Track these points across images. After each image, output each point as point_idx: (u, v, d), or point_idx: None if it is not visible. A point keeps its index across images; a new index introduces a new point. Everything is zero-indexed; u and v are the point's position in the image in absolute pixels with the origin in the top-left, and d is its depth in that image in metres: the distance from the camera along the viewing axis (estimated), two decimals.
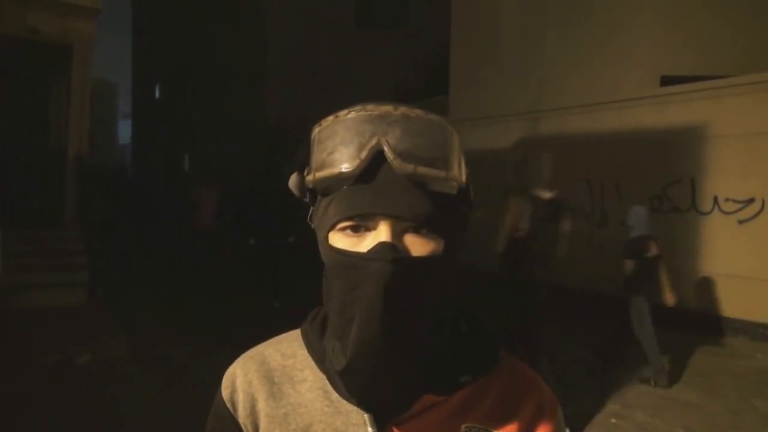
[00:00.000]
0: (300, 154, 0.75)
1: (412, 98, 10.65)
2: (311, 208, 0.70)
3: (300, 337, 0.75)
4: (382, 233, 0.61)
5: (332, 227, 0.64)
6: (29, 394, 4.07)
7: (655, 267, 4.62)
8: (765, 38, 7.12)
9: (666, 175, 6.88)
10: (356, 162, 0.60)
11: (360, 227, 0.63)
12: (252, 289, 7.60)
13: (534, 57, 8.72)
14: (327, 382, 0.68)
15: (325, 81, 14.05)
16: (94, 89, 8.58)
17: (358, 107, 0.64)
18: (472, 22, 10.20)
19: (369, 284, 0.59)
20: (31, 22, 7.28)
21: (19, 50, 7.72)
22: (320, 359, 0.70)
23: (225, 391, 0.72)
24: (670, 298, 4.60)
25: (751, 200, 6.11)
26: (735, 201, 6.25)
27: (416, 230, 0.62)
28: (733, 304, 6.23)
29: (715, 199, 6.43)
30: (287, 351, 0.74)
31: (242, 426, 0.70)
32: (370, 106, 0.63)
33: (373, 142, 0.61)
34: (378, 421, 0.65)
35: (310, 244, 0.75)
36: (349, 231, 0.63)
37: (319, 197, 0.67)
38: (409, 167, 0.60)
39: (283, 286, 7.22)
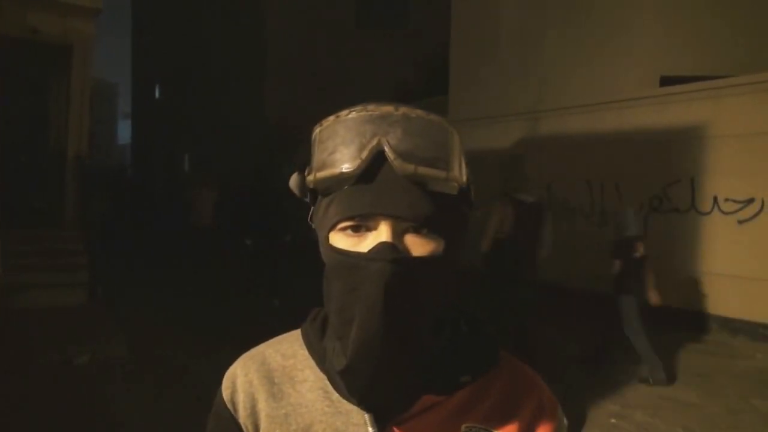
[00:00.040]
0: (300, 154, 0.75)
1: (412, 98, 10.64)
2: (312, 208, 0.70)
3: (300, 337, 0.75)
4: (382, 233, 0.61)
5: (333, 227, 0.64)
6: (29, 394, 4.06)
7: (642, 267, 4.79)
8: (765, 38, 7.12)
9: (666, 175, 6.88)
10: (357, 162, 0.61)
11: (360, 227, 0.63)
12: (252, 288, 7.60)
13: (534, 57, 8.71)
14: (327, 382, 0.68)
15: (325, 81, 14.06)
16: (94, 89, 8.57)
17: (359, 107, 0.64)
18: (472, 22, 10.19)
19: (369, 284, 0.59)
20: (31, 22, 7.27)
21: (19, 50, 7.72)
22: (321, 359, 0.70)
23: (225, 392, 0.72)
24: (653, 297, 4.73)
25: (751, 200, 6.11)
26: (735, 201, 6.25)
27: (417, 230, 0.62)
28: (733, 304, 6.22)
29: (715, 199, 6.43)
30: (288, 351, 0.74)
31: (243, 426, 0.70)
32: (371, 107, 0.63)
33: (374, 142, 0.61)
34: (378, 421, 0.65)
35: (310, 243, 0.75)
36: (349, 231, 0.63)
37: (319, 197, 0.67)
38: (410, 167, 0.60)
39: (282, 286, 7.23)
